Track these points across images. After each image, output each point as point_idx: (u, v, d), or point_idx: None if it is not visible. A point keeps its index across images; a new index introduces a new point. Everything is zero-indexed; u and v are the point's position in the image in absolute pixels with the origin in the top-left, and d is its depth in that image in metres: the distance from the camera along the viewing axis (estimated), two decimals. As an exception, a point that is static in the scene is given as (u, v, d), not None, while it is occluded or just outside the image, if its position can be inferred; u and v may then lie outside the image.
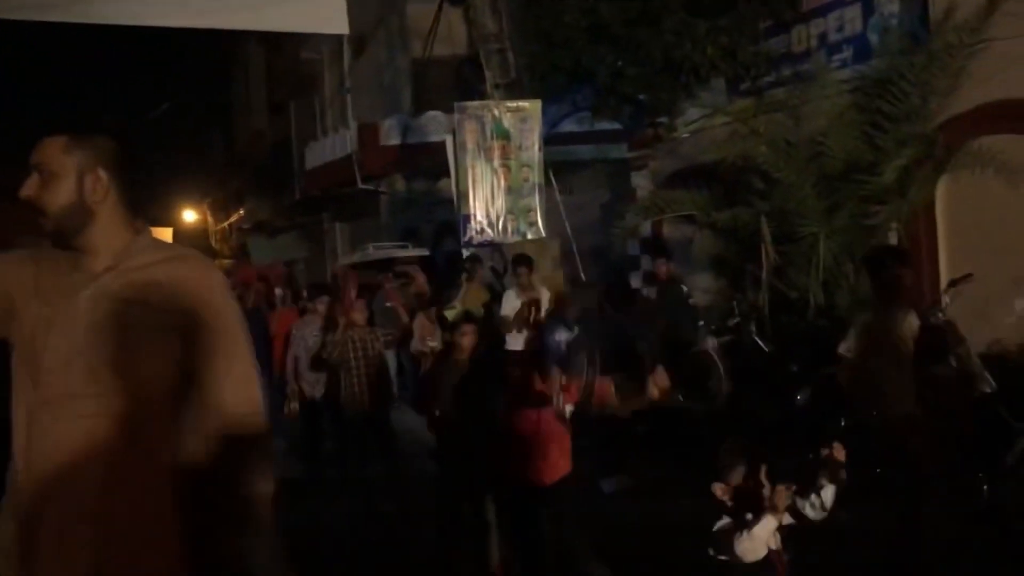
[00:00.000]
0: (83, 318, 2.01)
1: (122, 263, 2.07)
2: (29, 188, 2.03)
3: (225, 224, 28.86)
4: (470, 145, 10.23)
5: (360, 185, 17.43)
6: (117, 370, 2.00)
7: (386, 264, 13.27)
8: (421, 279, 11.99)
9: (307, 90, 20.66)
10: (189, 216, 30.99)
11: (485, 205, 10.23)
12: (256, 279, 14.41)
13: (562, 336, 7.36)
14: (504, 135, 10.21)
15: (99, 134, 2.11)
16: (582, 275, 11.02)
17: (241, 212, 26.86)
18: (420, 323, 9.61)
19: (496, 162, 10.24)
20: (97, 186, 2.05)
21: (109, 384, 1.99)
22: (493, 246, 10.67)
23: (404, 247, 13.54)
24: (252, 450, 2.11)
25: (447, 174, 17.08)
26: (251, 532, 2.08)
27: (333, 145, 18.54)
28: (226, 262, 30.08)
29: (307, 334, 8.22)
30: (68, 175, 2.03)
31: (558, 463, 4.41)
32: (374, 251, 13.16)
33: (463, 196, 10.26)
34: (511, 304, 9.02)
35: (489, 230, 10.25)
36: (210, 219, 30.62)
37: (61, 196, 2.02)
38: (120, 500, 1.98)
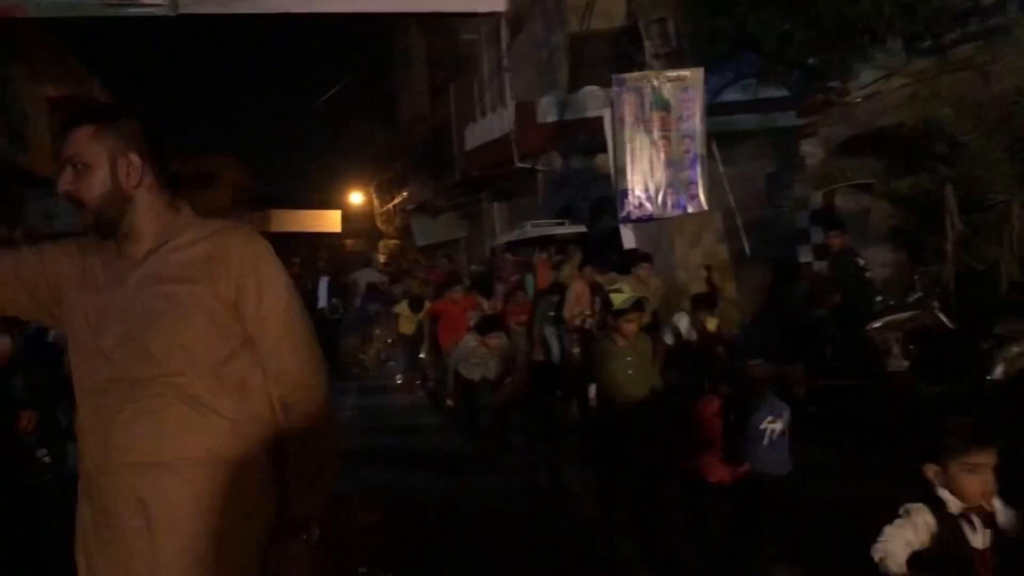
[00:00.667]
0: (135, 303, 2.01)
1: (166, 243, 2.06)
2: (65, 182, 2.02)
3: (389, 206, 29.77)
4: (628, 118, 10.01)
5: (517, 164, 17.53)
6: (174, 350, 1.99)
7: (544, 241, 13.24)
8: (577, 256, 11.95)
9: (466, 71, 20.90)
10: (356, 198, 32.18)
11: (644, 179, 10.00)
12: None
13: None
14: (664, 106, 9.92)
15: (124, 117, 2.08)
16: (746, 249, 10.61)
17: (404, 194, 27.62)
18: (576, 290, 9.51)
19: (655, 134, 9.98)
20: (131, 171, 2.03)
21: (169, 365, 1.98)
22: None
23: (561, 224, 13.45)
24: (316, 412, 2.09)
25: (604, 150, 16.94)
26: (319, 492, 2.09)
27: (491, 125, 18.70)
28: (391, 242, 31.13)
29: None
30: (101, 164, 2.01)
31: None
32: (531, 229, 13.16)
33: (621, 171, 10.07)
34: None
35: (648, 204, 10.01)
36: (375, 201, 31.68)
37: (97, 186, 2.01)
38: (212, 475, 1.99)
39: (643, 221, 10.19)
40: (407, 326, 11.27)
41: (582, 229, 13.09)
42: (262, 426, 2.07)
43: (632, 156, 9.99)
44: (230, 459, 2.01)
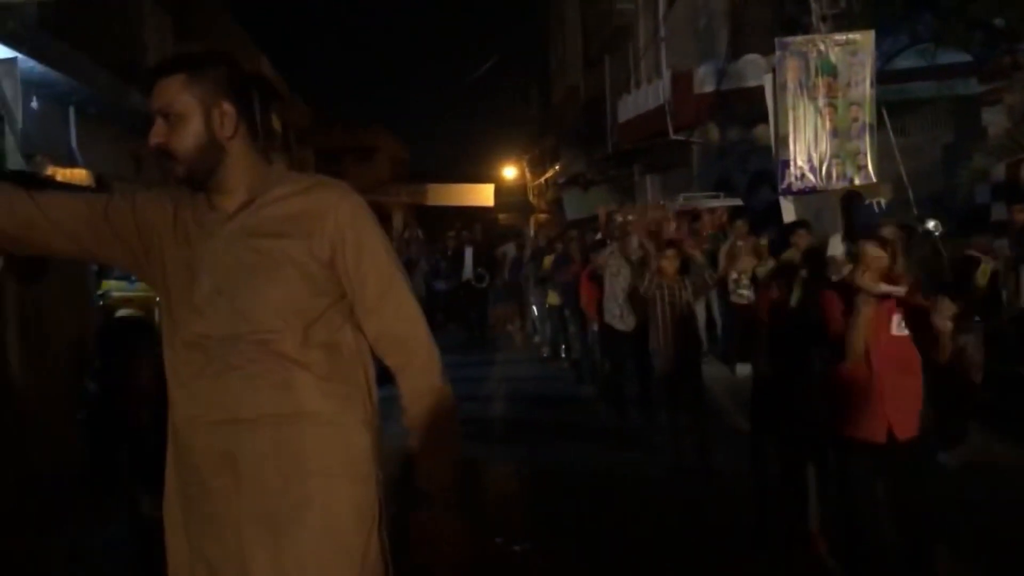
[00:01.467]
0: (225, 257, 1.92)
1: (258, 197, 1.96)
2: (157, 135, 1.92)
3: (541, 180, 29.76)
4: (791, 84, 9.44)
5: (672, 136, 17.05)
6: (265, 307, 1.90)
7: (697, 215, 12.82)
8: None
9: (622, 42, 20.49)
10: (509, 172, 32.37)
11: (807, 149, 9.43)
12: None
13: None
14: (831, 71, 9.30)
15: (214, 64, 1.94)
16: (917, 226, 9.87)
17: (556, 167, 27.52)
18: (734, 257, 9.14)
19: (821, 101, 9.37)
20: (225, 120, 1.93)
21: (259, 322, 1.90)
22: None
23: (716, 196, 12.96)
24: (425, 374, 2.02)
25: (764, 121, 16.18)
26: (446, 459, 2.04)
27: (646, 96, 18.28)
28: (543, 216, 31.15)
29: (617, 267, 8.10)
30: (194, 114, 1.90)
31: (906, 419, 3.72)
32: (684, 201, 12.74)
33: (782, 140, 9.53)
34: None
35: (811, 176, 9.45)
36: (528, 175, 31.76)
37: (190, 138, 1.90)
38: (299, 433, 1.93)
39: (805, 193, 9.61)
40: (554, 297, 11.18)
41: (738, 202, 12.56)
42: (353, 387, 1.99)
43: (795, 125, 9.44)
44: (318, 417, 1.93)
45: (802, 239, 8.79)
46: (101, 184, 14.58)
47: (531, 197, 31.49)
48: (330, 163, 34.70)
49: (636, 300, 7.17)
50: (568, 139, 24.27)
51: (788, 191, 9.62)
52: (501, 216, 33.51)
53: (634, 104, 18.82)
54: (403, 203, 33.44)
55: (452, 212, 31.43)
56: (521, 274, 13.88)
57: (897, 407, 3.60)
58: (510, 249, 16.38)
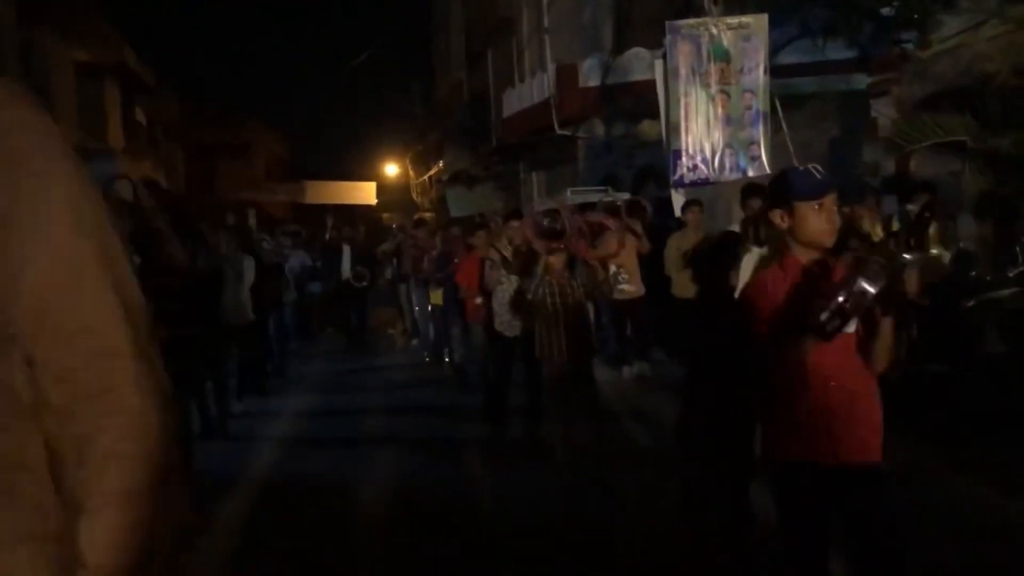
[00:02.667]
0: None
1: None
2: None
3: (425, 177, 28.80)
4: (683, 70, 8.90)
5: (557, 131, 16.45)
6: None
7: (585, 210, 12.18)
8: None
9: (505, 35, 19.78)
10: (391, 170, 31.27)
11: (699, 139, 8.90)
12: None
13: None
14: (724, 56, 8.80)
15: None
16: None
17: (440, 165, 26.64)
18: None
19: (713, 88, 8.86)
20: None
21: None
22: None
23: (603, 191, 12.36)
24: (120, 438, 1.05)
25: (650, 116, 15.80)
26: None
27: (531, 90, 17.61)
28: (427, 215, 30.18)
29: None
30: None
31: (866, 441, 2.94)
32: (572, 195, 12.07)
33: (674, 129, 8.98)
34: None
35: (703, 167, 8.92)
36: (411, 172, 30.72)
37: None
38: None
39: (697, 186, 9.09)
40: (437, 297, 10.29)
41: (626, 197, 11.98)
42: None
43: (687, 113, 8.90)
44: None
45: (694, 216, 8.38)
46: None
47: (415, 195, 30.48)
48: (201, 159, 32.73)
49: (522, 303, 6.33)
50: (452, 135, 23.42)
51: (680, 183, 9.07)
52: (385, 215, 32.32)
53: (519, 98, 18.13)
54: (280, 202, 31.85)
55: (334, 211, 30.12)
56: (398, 272, 12.91)
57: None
58: (390, 247, 15.39)
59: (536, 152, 18.37)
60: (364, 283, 13.50)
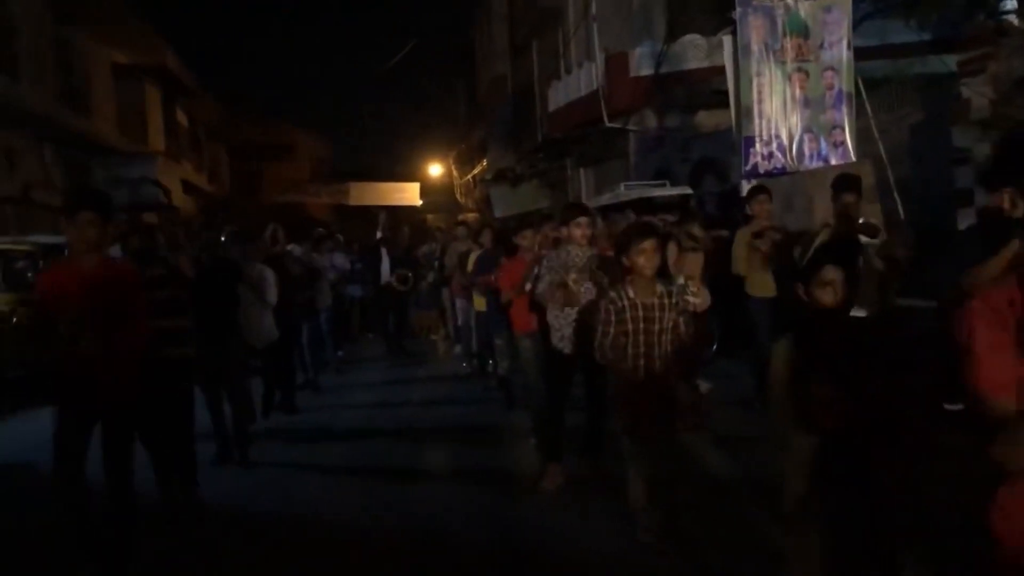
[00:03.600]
0: None
1: None
2: None
3: (468, 177, 27.94)
4: (755, 46, 7.84)
5: (607, 123, 15.42)
6: None
7: (642, 206, 11.13)
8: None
9: (550, 25, 18.80)
10: (435, 170, 30.47)
11: (774, 124, 7.85)
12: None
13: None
14: (801, 30, 7.75)
15: None
16: (900, 211, 8.34)
17: (484, 163, 25.76)
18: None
19: (790, 65, 7.81)
20: None
21: None
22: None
23: (661, 185, 11.29)
24: None
25: (705, 106, 14.71)
26: None
27: (578, 81, 16.62)
28: (471, 215, 29.31)
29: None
30: None
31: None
32: (626, 190, 11.02)
33: (745, 114, 7.92)
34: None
35: (779, 155, 7.87)
36: (455, 172, 29.90)
37: None
38: None
39: (773, 176, 8.00)
40: (481, 302, 9.34)
41: (687, 191, 10.91)
42: None
43: (759, 95, 7.85)
44: None
45: (762, 207, 7.15)
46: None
47: (459, 196, 29.65)
48: (245, 161, 32.26)
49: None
50: (496, 133, 22.50)
51: (753, 174, 8.00)
52: (428, 216, 31.56)
53: (565, 91, 17.15)
54: (324, 204, 31.23)
55: (376, 214, 29.38)
56: (441, 275, 11.99)
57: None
58: (433, 248, 14.50)
59: (584, 147, 17.36)
60: (407, 287, 12.62)
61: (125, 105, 19.61)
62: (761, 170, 7.89)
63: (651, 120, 15.50)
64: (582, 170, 18.05)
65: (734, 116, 8.22)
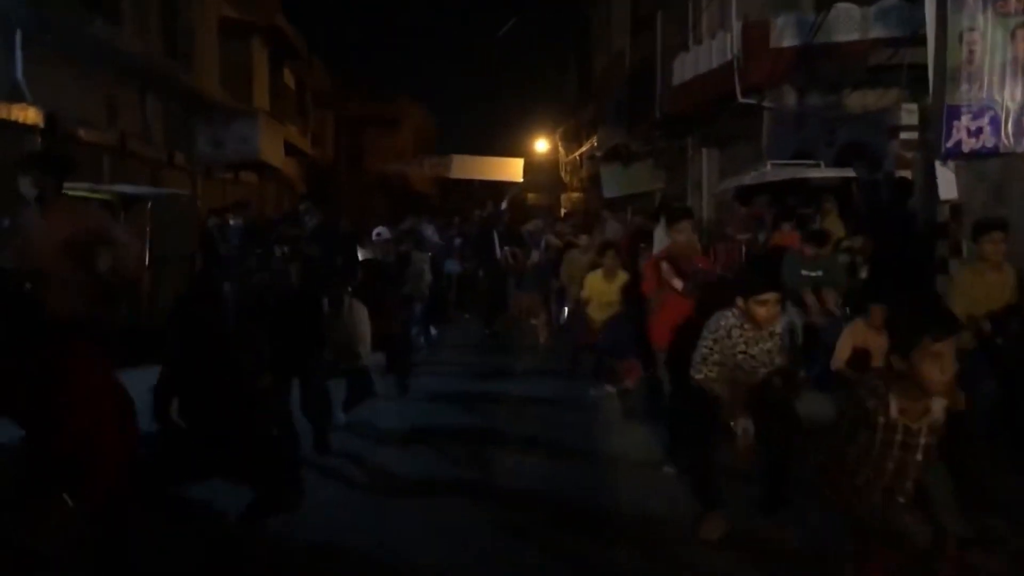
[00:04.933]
0: None
1: None
2: None
3: (575, 155, 26.46)
4: (969, -7, 6.15)
5: (740, 99, 13.71)
6: None
7: (789, 190, 9.47)
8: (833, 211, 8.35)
9: (678, -2, 17.12)
10: (540, 146, 29.10)
11: (986, 91, 6.15)
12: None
13: None
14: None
15: None
16: None
17: (593, 141, 24.29)
18: None
19: (1014, 19, 6.08)
20: None
21: None
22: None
23: (816, 166, 9.58)
24: None
25: (855, 85, 12.88)
26: None
27: (709, 53, 14.89)
28: (575, 195, 27.85)
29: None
30: None
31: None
32: (772, 170, 9.37)
33: (950, 78, 6.24)
34: None
35: (991, 132, 6.17)
36: (561, 149, 28.45)
37: None
38: None
39: (980, 157, 6.31)
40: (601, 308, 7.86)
41: (849, 173, 9.19)
42: None
43: (970, 55, 6.16)
44: None
45: (996, 247, 5.20)
46: (54, 124, 11.63)
47: (563, 174, 28.21)
48: (350, 130, 31.62)
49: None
50: (610, 110, 20.93)
51: (954, 153, 6.32)
52: (530, 195, 30.29)
53: (693, 63, 15.45)
54: (425, 176, 30.33)
55: (478, 189, 28.26)
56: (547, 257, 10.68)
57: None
58: (538, 227, 13.18)
59: (709, 126, 15.68)
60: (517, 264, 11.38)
61: (231, 62, 18.90)
62: (965, 148, 6.22)
63: (790, 97, 13.72)
64: (704, 150, 16.36)
65: (932, 82, 6.53)
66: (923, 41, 11.08)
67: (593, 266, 8.13)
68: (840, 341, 5.50)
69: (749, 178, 9.35)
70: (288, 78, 24.24)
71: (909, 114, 11.04)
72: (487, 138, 30.32)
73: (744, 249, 9.13)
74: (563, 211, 25.41)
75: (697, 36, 15.93)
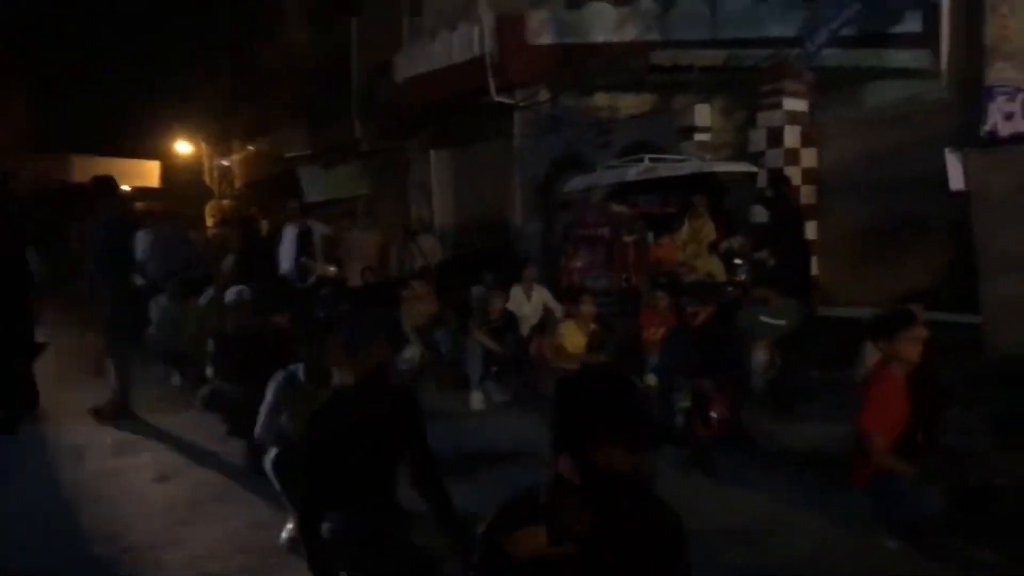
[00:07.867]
0: None
1: None
2: None
3: (229, 158, 22.67)
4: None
5: (496, 97, 12.16)
6: None
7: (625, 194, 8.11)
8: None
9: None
10: (183, 148, 24.58)
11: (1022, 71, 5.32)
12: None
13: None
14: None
15: None
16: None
17: (249, 146, 20.95)
18: None
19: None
20: None
21: None
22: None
23: (687, 161, 8.30)
24: None
25: (604, 89, 12.07)
26: None
27: (448, 46, 13.05)
28: (224, 203, 23.93)
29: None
30: None
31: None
32: (649, 166, 7.91)
33: (989, 53, 5.31)
34: None
35: (1020, 116, 5.34)
36: (205, 152, 24.26)
37: None
38: None
39: (1008, 143, 5.47)
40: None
41: (751, 168, 8.06)
42: None
43: (1004, 28, 5.27)
44: None
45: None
46: None
47: (207, 179, 24.13)
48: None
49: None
50: (289, 108, 17.96)
51: (993, 137, 5.39)
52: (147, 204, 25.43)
53: (425, 57, 13.49)
54: (30, 180, 23.87)
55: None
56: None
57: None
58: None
59: (442, 124, 13.86)
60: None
61: None
62: (1002, 133, 5.35)
63: (544, 96, 12.51)
64: (433, 152, 14.47)
65: (945, 59, 5.57)
66: (704, 45, 10.68)
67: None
68: None
69: (634, 174, 7.77)
70: None
71: (702, 115, 10.45)
72: (114, 135, 24.66)
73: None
74: (210, 219, 21.73)
75: (427, 28, 13.99)
